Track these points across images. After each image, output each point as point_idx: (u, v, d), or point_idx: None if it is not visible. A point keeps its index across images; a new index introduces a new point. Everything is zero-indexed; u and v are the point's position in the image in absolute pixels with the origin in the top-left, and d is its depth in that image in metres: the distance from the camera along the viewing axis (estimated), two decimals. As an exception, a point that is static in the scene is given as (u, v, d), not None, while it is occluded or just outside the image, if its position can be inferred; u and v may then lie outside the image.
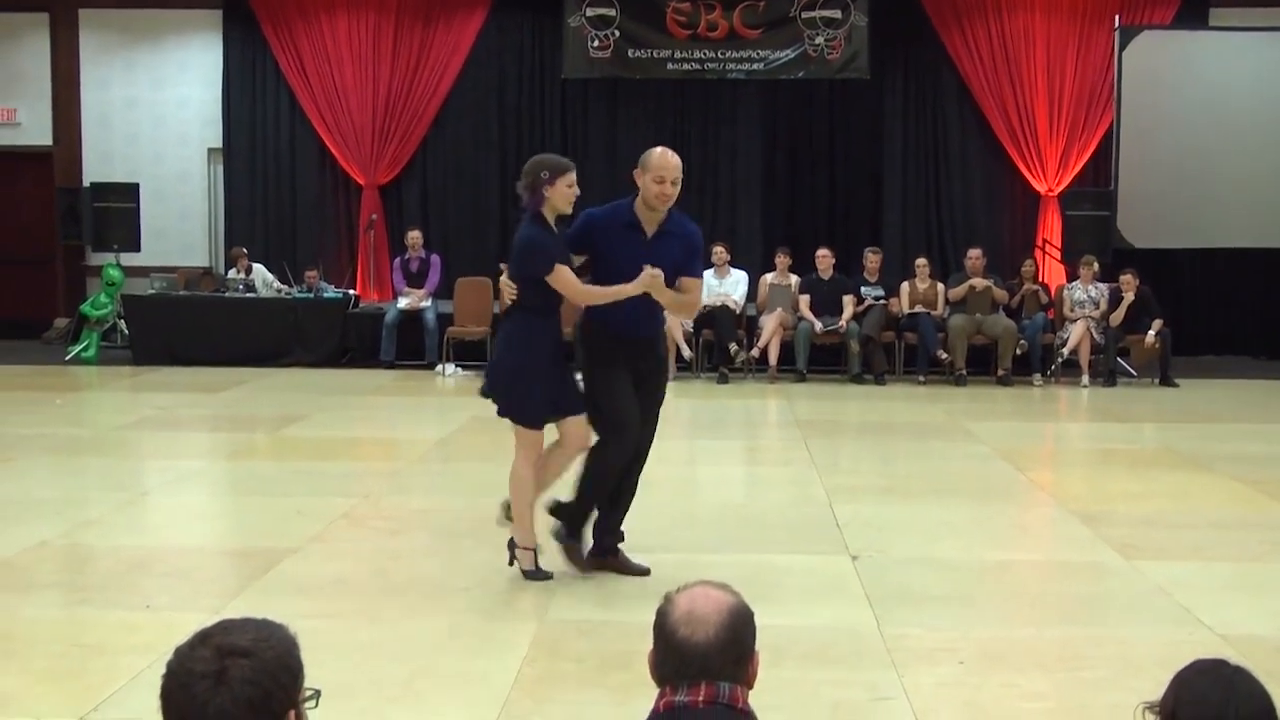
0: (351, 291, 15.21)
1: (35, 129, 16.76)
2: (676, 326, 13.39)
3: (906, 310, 13.96)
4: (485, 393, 5.93)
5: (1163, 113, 14.73)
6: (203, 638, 2.04)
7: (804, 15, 15.57)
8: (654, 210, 5.80)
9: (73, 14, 16.65)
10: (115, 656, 4.76)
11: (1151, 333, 13.42)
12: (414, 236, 14.82)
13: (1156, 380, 13.49)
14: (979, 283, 13.80)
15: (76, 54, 16.70)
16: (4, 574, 5.95)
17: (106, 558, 6.35)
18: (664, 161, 5.75)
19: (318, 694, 2.13)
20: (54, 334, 16.18)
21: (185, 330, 14.38)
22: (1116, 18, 14.98)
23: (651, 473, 6.15)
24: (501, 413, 5.90)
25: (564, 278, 5.72)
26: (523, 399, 5.80)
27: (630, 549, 6.03)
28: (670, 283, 5.80)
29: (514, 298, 5.81)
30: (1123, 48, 14.69)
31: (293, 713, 2.04)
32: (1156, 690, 2.28)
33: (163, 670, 2.03)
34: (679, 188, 5.79)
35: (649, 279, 5.65)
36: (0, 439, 9.56)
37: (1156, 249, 14.73)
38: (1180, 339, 14.06)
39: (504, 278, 5.93)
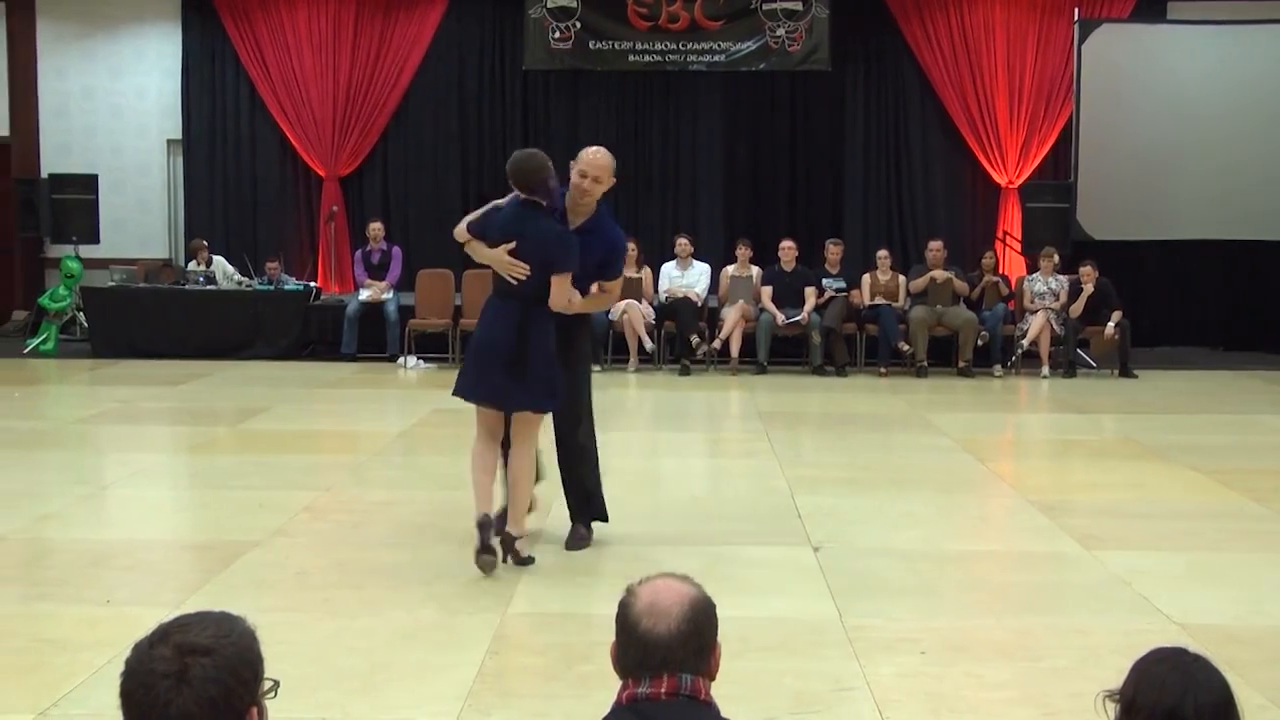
0: (313, 284, 15.13)
1: (-9, 119, 16.59)
2: (639, 319, 13.42)
3: (868, 302, 13.97)
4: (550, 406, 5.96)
5: (1122, 106, 14.82)
6: (162, 635, 2.02)
7: (765, 7, 15.60)
8: (579, 203, 5.92)
9: (30, 2, 16.46)
10: (75, 652, 4.72)
11: (1111, 324, 13.50)
12: (375, 228, 14.74)
13: (1116, 371, 13.59)
14: (940, 274, 13.85)
15: (34, 43, 16.52)
16: (-39, 569, 5.90)
17: (66, 552, 6.30)
18: (588, 158, 5.94)
19: (276, 685, 2.13)
20: (12, 327, 16.05)
21: (145, 323, 14.27)
22: (1076, 11, 15.08)
23: (614, 465, 6.17)
24: (554, 407, 5.98)
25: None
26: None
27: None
28: (591, 280, 5.94)
29: (522, 279, 5.76)
30: (1082, 41, 14.78)
31: (254, 708, 2.03)
32: (1116, 679, 2.29)
33: (122, 668, 2.02)
34: (601, 186, 5.92)
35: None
36: (-43, 433, 9.48)
37: (1115, 241, 14.82)
38: (1139, 330, 14.16)
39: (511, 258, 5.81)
